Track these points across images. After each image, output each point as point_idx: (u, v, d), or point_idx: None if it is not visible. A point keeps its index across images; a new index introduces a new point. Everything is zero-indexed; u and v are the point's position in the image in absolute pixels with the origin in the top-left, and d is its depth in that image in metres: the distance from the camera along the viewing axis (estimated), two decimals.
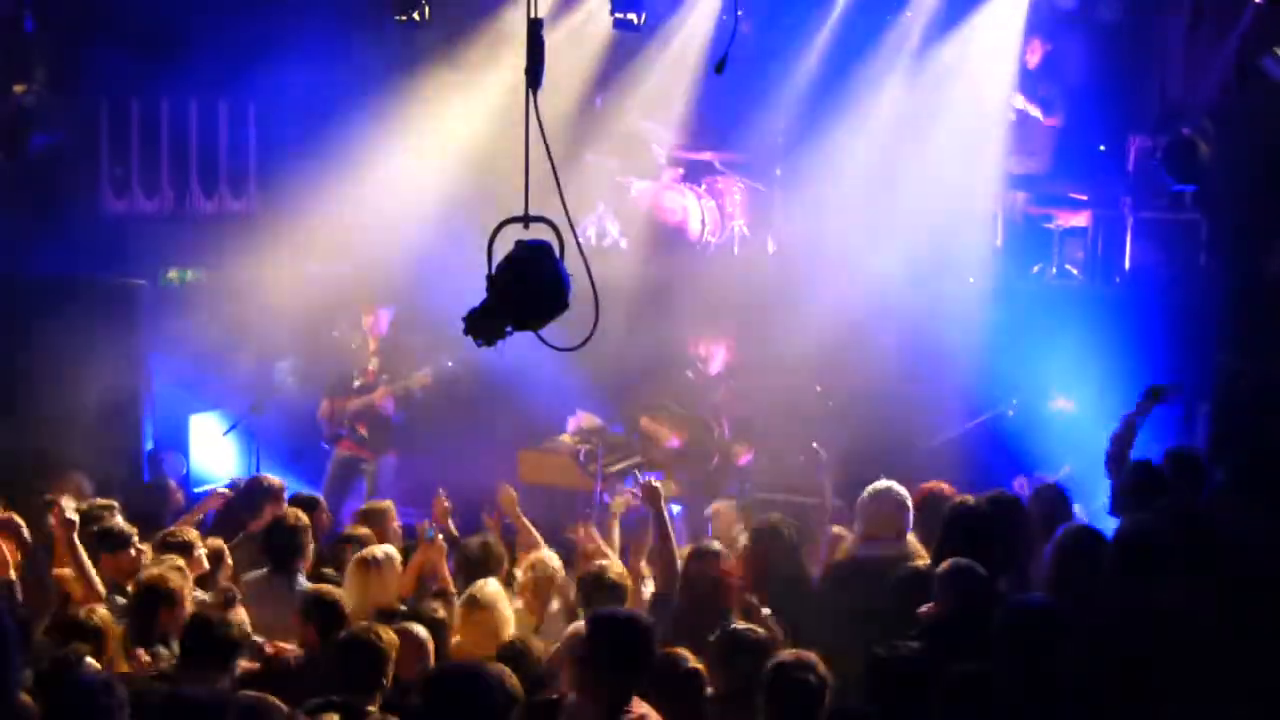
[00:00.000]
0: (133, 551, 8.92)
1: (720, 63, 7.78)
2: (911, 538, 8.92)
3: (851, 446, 12.83)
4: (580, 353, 6.57)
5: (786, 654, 6.83)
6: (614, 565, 8.83)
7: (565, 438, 13.32)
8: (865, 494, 9.01)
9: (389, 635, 7.29)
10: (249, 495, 10.43)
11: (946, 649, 6.99)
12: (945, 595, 7.64)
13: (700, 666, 7.19)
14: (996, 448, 12.71)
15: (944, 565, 7.77)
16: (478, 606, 8.29)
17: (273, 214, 15.64)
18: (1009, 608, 7.16)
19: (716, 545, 8.85)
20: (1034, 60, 14.98)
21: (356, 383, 13.77)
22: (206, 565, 8.99)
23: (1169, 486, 8.84)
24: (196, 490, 13.18)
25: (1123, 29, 15.40)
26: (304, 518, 9.36)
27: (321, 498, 10.80)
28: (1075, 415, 12.88)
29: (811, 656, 6.69)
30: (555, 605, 8.96)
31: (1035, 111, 14.88)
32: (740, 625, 7.58)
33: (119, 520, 9.23)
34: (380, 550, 9.02)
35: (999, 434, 12.92)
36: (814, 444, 12.84)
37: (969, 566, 7.67)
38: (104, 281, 13.56)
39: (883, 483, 9.04)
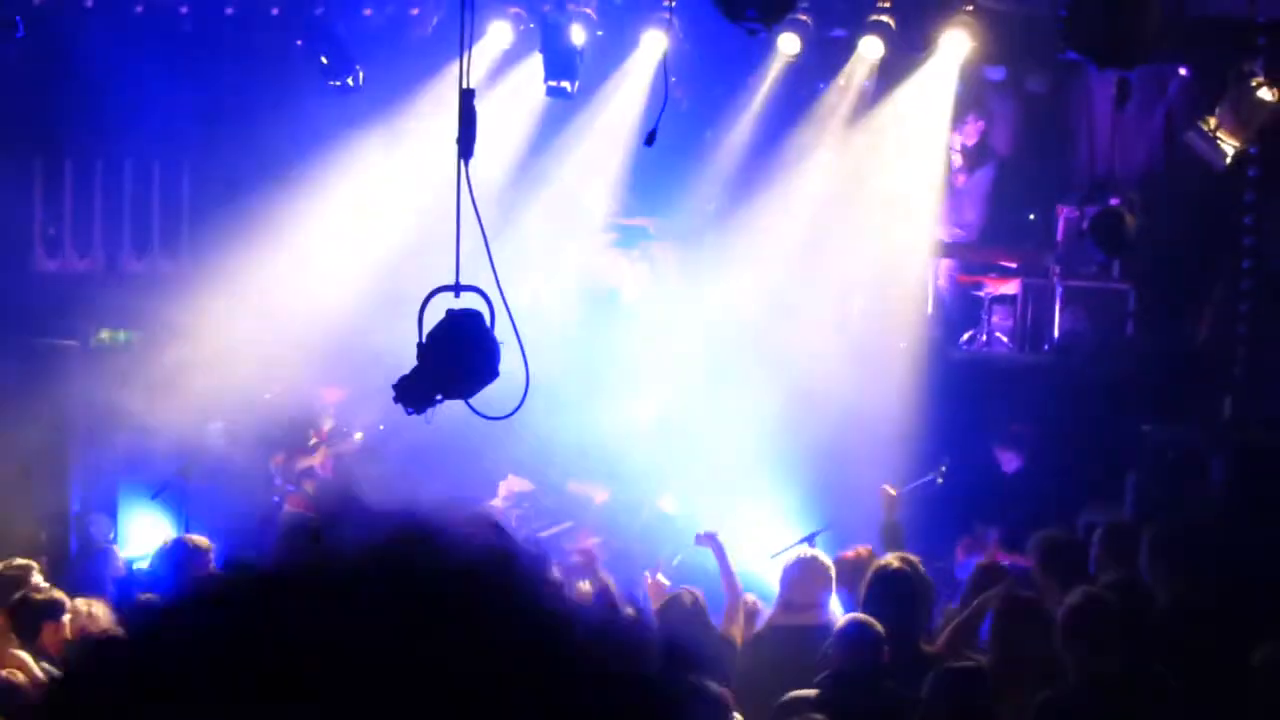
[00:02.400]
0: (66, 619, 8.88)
1: (650, 135, 7.86)
2: (835, 604, 8.96)
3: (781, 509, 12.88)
4: (512, 418, 6.60)
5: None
6: None
7: (496, 502, 13.30)
8: (788, 561, 9.05)
9: None
10: (174, 557, 10.32)
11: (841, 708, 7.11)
12: (838, 651, 7.74)
13: None
14: (927, 513, 12.77)
15: (840, 621, 7.88)
16: None
17: (205, 274, 15.59)
18: (943, 672, 7.23)
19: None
20: (971, 138, 15.17)
21: (311, 441, 13.92)
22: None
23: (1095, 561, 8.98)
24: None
25: (1051, 100, 15.60)
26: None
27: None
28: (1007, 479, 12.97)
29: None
30: None
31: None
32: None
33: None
34: None
35: (929, 499, 12.98)
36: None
37: (862, 624, 7.74)
38: (33, 342, 13.48)
39: (804, 550, 9.10)
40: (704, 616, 9.02)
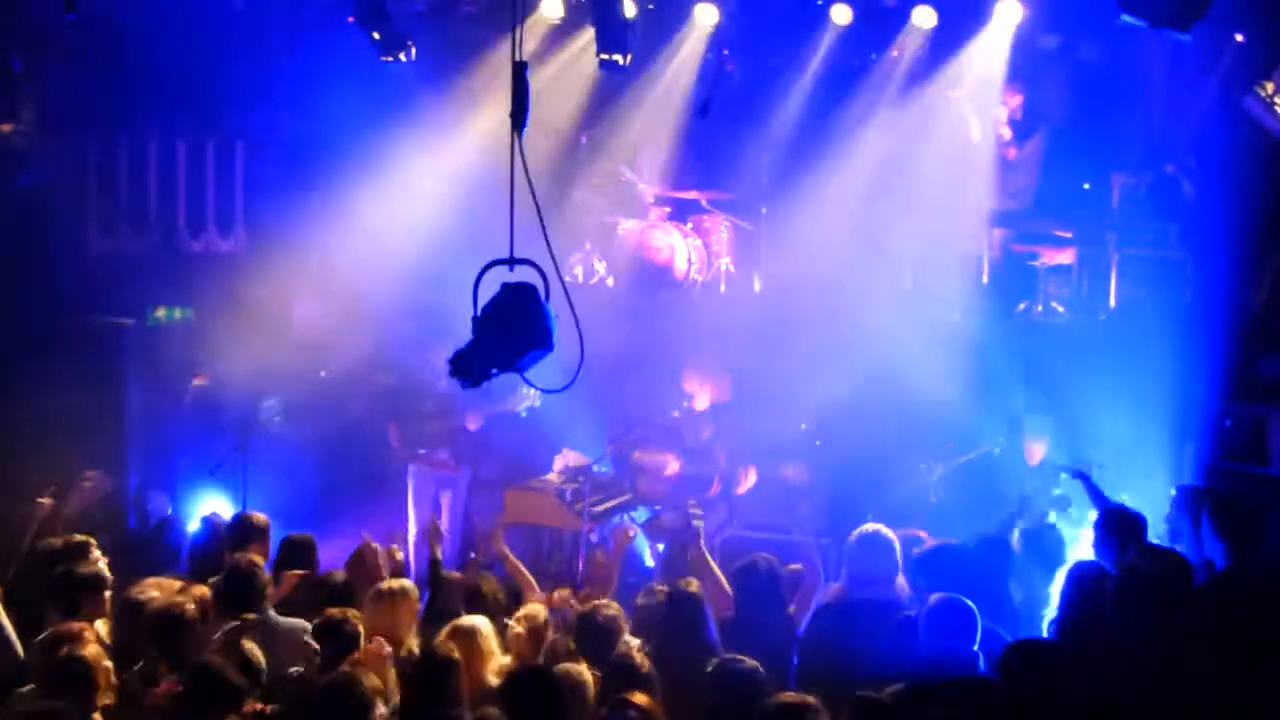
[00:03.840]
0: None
1: (704, 106, 7.84)
2: (901, 580, 8.91)
3: (837, 485, 12.87)
4: (568, 392, 6.59)
5: (787, 696, 6.84)
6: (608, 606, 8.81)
7: (552, 476, 13.31)
8: (853, 537, 9.00)
9: (372, 681, 7.32)
10: (234, 533, 10.37)
11: (928, 693, 7.04)
12: (930, 635, 7.68)
13: None
14: (983, 484, 12.71)
15: (931, 601, 7.82)
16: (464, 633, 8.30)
17: (260, 253, 15.66)
18: (1014, 645, 7.22)
19: (694, 586, 8.83)
20: (1014, 104, 15.06)
21: (426, 406, 14.01)
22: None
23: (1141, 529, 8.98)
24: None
25: (1105, 67, 15.48)
26: (258, 561, 9.28)
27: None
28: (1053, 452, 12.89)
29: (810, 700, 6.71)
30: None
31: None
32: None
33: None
34: (397, 583, 9.06)
35: (986, 470, 12.92)
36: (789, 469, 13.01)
37: (956, 604, 7.70)
38: (90, 321, 13.57)
39: (870, 526, 9.05)
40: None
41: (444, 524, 13.27)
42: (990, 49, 14.78)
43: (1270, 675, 7.30)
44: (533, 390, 13.29)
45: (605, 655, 8.01)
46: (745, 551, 9.77)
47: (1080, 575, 8.29)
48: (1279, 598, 7.98)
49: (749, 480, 12.70)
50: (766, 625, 8.76)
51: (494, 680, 8.04)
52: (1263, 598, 7.96)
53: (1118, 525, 8.99)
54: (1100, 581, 8.05)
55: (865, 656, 7.87)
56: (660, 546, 12.70)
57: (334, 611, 8.45)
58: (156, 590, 8.91)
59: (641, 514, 13.09)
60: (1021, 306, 14.84)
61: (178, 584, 9.14)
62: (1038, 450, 12.49)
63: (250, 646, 8.16)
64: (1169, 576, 7.50)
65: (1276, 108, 13.28)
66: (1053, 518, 11.46)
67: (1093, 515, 9.96)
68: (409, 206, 15.09)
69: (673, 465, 12.89)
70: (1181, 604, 7.44)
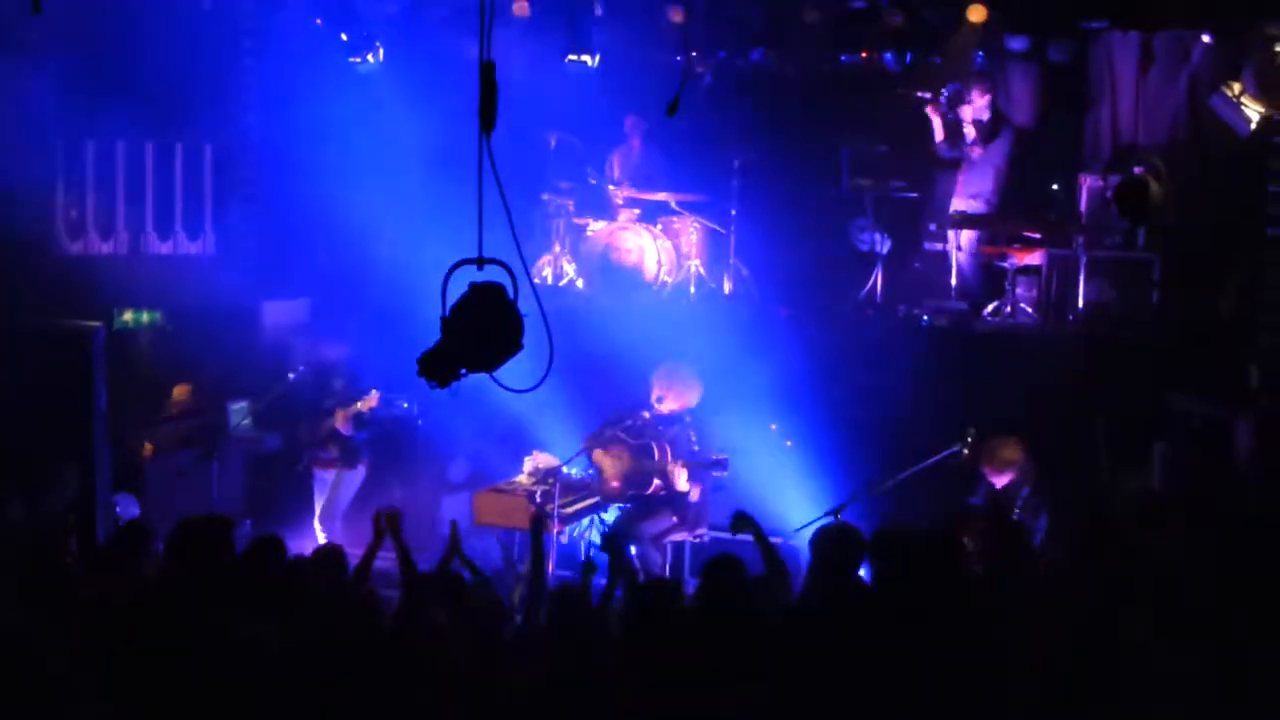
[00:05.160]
0: None
1: (672, 105, 7.82)
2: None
3: (809, 485, 12.87)
4: (536, 393, 6.58)
5: None
6: None
7: (521, 478, 13.29)
8: (816, 533, 9.02)
9: None
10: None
11: None
12: None
13: None
14: (952, 485, 12.74)
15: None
16: None
17: (228, 256, 15.63)
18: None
19: None
20: (982, 111, 15.11)
21: (328, 403, 14.22)
22: None
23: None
24: None
25: (1073, 69, 15.55)
26: None
27: None
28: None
29: None
30: None
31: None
32: None
33: None
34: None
35: (955, 471, 12.95)
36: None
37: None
38: (58, 324, 13.49)
39: (832, 525, 9.10)
40: None
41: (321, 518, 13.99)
42: (959, 50, 14.84)
43: None
44: (374, 391, 13.67)
45: None
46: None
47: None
48: None
49: (680, 480, 12.63)
50: None
51: None
52: None
53: None
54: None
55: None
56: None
57: None
58: None
59: (611, 514, 13.07)
60: (990, 308, 14.87)
61: None
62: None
63: None
64: None
65: (1243, 108, 13.36)
66: None
67: None
68: (376, 207, 15.08)
69: (617, 466, 12.83)
70: None
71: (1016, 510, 11.48)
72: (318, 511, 14.21)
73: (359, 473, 14.37)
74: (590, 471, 13.10)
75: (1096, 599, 7.90)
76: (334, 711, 7.00)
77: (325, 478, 14.30)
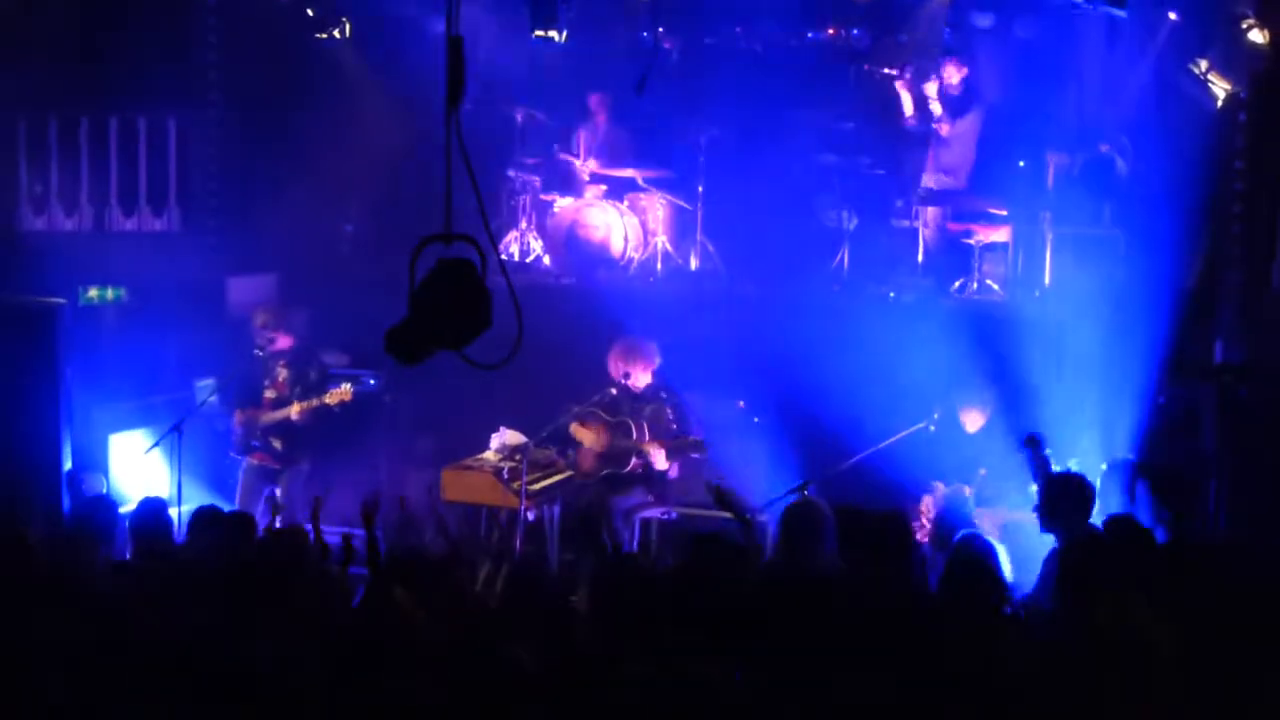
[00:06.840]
0: None
1: (640, 82, 7.80)
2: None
3: (775, 461, 12.87)
4: (504, 369, 6.55)
5: None
6: None
7: (488, 455, 13.25)
8: (784, 509, 9.05)
9: None
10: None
11: None
12: None
13: None
14: (917, 462, 12.76)
15: None
16: None
17: (193, 231, 15.56)
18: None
19: None
20: (954, 86, 15.11)
21: (269, 394, 13.35)
22: None
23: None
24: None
25: (1040, 46, 15.56)
26: None
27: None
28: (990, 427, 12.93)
29: None
30: None
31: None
32: None
33: None
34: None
35: (920, 448, 12.97)
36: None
37: None
38: (22, 300, 13.41)
39: (799, 501, 9.11)
40: None
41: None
42: (926, 25, 14.85)
43: (1228, 651, 7.29)
44: (346, 384, 13.12)
45: None
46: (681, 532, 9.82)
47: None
48: (1225, 568, 8.05)
49: (659, 459, 12.61)
50: None
51: None
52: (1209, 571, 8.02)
53: (1066, 492, 9.07)
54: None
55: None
56: None
57: None
58: None
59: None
60: (956, 284, 14.89)
61: None
62: (974, 419, 12.54)
63: None
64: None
65: (1210, 85, 13.38)
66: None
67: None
68: (343, 183, 15.03)
69: (595, 440, 12.82)
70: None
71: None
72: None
73: (301, 470, 13.45)
74: (570, 453, 13.07)
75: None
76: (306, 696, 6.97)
77: (261, 471, 13.44)
